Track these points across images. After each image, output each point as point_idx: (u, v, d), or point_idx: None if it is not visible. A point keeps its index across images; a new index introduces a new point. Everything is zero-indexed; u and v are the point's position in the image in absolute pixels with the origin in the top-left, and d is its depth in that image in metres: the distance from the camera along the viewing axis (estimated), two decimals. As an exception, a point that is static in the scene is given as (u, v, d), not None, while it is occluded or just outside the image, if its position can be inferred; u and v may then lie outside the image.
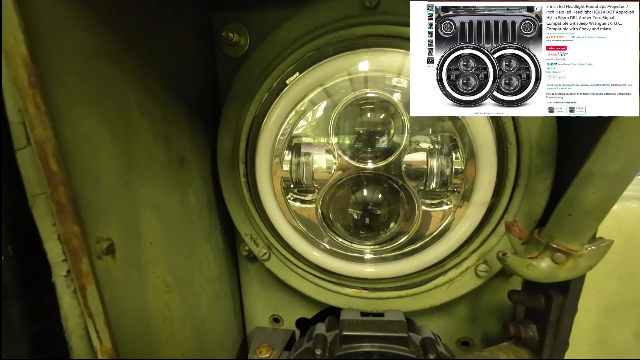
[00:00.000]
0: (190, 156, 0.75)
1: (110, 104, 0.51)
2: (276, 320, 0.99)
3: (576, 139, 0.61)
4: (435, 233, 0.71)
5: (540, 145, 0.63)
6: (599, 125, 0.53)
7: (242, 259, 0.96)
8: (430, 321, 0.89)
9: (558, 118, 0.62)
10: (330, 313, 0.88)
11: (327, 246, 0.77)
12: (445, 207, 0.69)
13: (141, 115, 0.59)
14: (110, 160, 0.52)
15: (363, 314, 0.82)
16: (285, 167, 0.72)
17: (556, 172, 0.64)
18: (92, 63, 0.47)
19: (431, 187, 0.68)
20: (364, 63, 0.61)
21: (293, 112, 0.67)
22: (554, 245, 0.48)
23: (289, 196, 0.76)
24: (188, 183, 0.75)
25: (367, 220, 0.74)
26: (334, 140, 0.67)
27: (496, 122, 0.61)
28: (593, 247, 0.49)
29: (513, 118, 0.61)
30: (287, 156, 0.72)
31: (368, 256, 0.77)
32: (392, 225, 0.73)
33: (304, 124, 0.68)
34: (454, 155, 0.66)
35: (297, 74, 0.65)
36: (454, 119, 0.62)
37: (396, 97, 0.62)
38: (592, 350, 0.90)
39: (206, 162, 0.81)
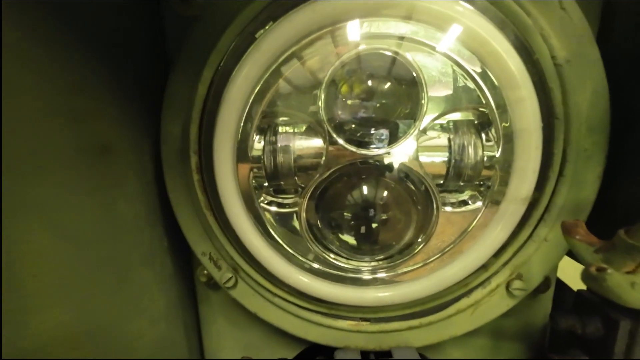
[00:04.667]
0: (119, 144, 0.52)
1: None
2: (247, 364, 0.76)
3: (634, 114, 0.48)
4: (459, 242, 0.54)
5: (590, 122, 0.49)
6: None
7: (200, 287, 0.73)
8: (442, 353, 0.71)
9: (610, 89, 0.48)
10: (318, 350, 0.68)
11: (315, 266, 0.57)
12: (471, 207, 0.52)
13: (23, 67, 0.37)
14: None
15: (363, 353, 0.62)
16: (256, 158, 0.52)
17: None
18: None
19: (455, 181, 0.51)
20: (367, 4, 0.43)
21: (265, 77, 0.47)
22: (664, 253, 0.32)
23: (262, 199, 0.55)
24: (115, 183, 0.52)
25: (369, 229, 0.55)
26: (323, 117, 0.48)
27: (542, 89, 0.46)
28: None
29: (561, 84, 0.47)
30: (258, 142, 0.52)
31: (369, 276, 0.58)
32: (403, 234, 0.55)
33: (281, 94, 0.49)
34: (484, 136, 0.49)
35: (270, 22, 0.46)
36: (489, 87, 0.46)
37: (410, 56, 0.45)
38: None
39: (144, 153, 0.58)
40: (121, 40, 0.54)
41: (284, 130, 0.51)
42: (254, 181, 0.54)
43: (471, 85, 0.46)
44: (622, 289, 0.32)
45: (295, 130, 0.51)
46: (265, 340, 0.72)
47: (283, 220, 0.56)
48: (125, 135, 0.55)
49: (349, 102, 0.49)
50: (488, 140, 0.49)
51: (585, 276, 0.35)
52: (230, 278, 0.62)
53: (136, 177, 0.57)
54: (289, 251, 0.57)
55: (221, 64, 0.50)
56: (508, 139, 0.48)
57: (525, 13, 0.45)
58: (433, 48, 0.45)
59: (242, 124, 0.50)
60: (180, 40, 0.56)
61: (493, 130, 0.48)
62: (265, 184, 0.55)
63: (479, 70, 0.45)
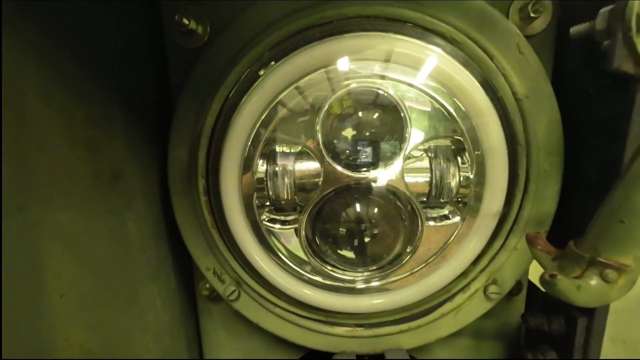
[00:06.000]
0: (128, 170, 0.56)
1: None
2: (247, 373, 0.79)
3: (584, 140, 0.57)
4: (442, 252, 0.60)
5: (548, 147, 0.57)
6: (619, 122, 0.48)
7: (202, 300, 0.76)
8: (430, 354, 0.77)
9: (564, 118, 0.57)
10: (315, 356, 0.72)
11: (314, 277, 0.62)
12: (451, 221, 0.59)
13: (48, 108, 0.41)
14: (-16, 171, 0.33)
15: (359, 357, 0.67)
16: (259, 180, 0.58)
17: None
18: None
19: (436, 199, 0.58)
20: (358, 47, 0.50)
21: (268, 110, 0.53)
22: (602, 260, 0.40)
23: (264, 217, 0.60)
24: (126, 206, 0.56)
25: (362, 242, 0.61)
26: (320, 145, 0.54)
27: (506, 120, 0.54)
28: (636, 257, 0.41)
29: (521, 115, 0.55)
30: (261, 166, 0.57)
31: (363, 286, 0.63)
32: (392, 246, 0.61)
33: (282, 124, 0.55)
34: (459, 160, 0.57)
35: (272, 62, 0.52)
36: (462, 119, 0.53)
37: (393, 91, 0.52)
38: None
39: (152, 177, 0.63)
40: (130, 74, 0.58)
41: (285, 156, 0.57)
42: (257, 201, 0.59)
43: (447, 116, 0.54)
44: (569, 292, 0.39)
45: (295, 156, 0.57)
46: (265, 348, 0.76)
47: (284, 236, 0.61)
48: (134, 162, 0.59)
49: (343, 132, 0.55)
50: (463, 163, 0.57)
51: (541, 281, 0.42)
52: (233, 291, 0.66)
53: (143, 199, 0.61)
54: (289, 264, 0.62)
55: (228, 97, 0.55)
56: (480, 163, 0.55)
57: (488, 57, 0.53)
58: (411, 85, 0.52)
59: (246, 150, 0.55)
60: (182, 71, 0.62)
61: (467, 155, 0.55)
62: (268, 203, 0.60)
63: (451, 103, 0.53)
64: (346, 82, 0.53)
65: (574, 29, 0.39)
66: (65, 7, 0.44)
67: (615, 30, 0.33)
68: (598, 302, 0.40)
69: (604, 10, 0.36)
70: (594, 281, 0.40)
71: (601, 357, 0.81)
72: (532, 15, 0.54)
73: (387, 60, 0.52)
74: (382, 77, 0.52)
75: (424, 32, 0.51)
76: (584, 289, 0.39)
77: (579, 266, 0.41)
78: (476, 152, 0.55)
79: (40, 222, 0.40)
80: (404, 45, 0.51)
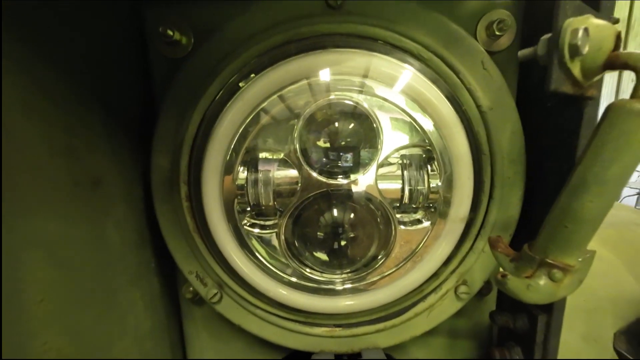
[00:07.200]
0: (109, 176, 0.58)
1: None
2: (230, 375, 0.81)
3: (544, 150, 0.61)
4: (414, 255, 0.64)
5: (511, 156, 0.62)
6: (571, 135, 0.53)
7: (185, 304, 0.78)
8: (406, 354, 0.80)
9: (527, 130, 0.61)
10: (296, 357, 0.75)
11: (293, 279, 0.65)
12: (422, 225, 0.63)
13: (25, 117, 0.43)
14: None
15: (337, 356, 0.70)
16: (240, 187, 0.60)
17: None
18: None
19: (408, 204, 0.61)
20: (332, 63, 0.53)
21: (248, 120, 0.56)
22: (550, 261, 0.43)
23: (245, 222, 0.63)
24: (106, 212, 0.58)
25: (339, 246, 0.64)
26: (298, 153, 0.57)
27: (471, 131, 0.58)
28: (582, 259, 0.45)
29: (485, 127, 0.59)
30: (242, 173, 0.59)
31: (340, 287, 0.66)
32: (367, 249, 0.64)
33: (262, 133, 0.57)
34: (429, 168, 0.60)
35: (252, 75, 0.55)
36: (430, 130, 0.57)
37: (367, 104, 0.56)
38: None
39: (133, 183, 0.64)
40: (113, 84, 0.60)
41: (265, 163, 0.59)
42: (238, 206, 0.61)
43: (417, 127, 0.57)
44: (519, 290, 0.43)
45: (275, 163, 0.59)
46: (248, 349, 0.78)
47: (264, 240, 0.63)
48: (114, 169, 0.60)
49: (320, 141, 0.58)
50: (432, 170, 0.60)
51: (495, 281, 0.46)
52: (215, 294, 0.67)
53: (125, 205, 0.63)
54: (269, 267, 0.64)
55: (209, 108, 0.57)
56: (448, 170, 0.59)
57: (454, 73, 0.57)
58: (385, 99, 0.55)
59: (227, 158, 0.57)
60: (166, 80, 0.63)
61: (436, 163, 0.59)
62: (248, 209, 0.62)
63: (421, 116, 0.57)
64: (326, 94, 0.56)
65: (521, 53, 0.43)
66: (46, 17, 0.46)
67: (553, 56, 0.37)
68: (546, 300, 0.44)
69: (543, 37, 0.40)
70: (543, 281, 0.43)
71: (575, 357, 0.85)
72: (497, 32, 0.59)
73: (364, 76, 0.55)
74: (360, 92, 0.56)
75: (393, 49, 0.55)
76: (534, 287, 0.43)
77: (531, 267, 0.45)
78: (444, 161, 0.58)
79: (19, 230, 0.41)
80: (377, 62, 0.54)
